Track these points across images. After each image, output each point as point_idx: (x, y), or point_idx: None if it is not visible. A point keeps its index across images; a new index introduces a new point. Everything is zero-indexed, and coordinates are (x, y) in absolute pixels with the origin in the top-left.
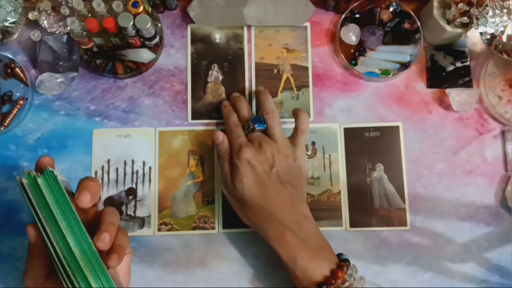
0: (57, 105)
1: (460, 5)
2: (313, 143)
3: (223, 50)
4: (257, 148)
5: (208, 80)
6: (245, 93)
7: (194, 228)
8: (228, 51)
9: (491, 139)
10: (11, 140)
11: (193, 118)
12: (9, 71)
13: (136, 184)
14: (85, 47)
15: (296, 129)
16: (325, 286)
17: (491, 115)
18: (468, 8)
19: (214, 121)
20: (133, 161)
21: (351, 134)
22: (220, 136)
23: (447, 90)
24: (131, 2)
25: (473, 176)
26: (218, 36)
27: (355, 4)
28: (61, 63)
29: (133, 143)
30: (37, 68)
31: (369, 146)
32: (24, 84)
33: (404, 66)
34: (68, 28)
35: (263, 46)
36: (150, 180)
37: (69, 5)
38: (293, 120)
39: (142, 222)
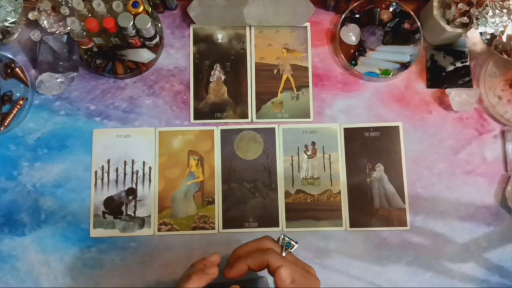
0: (57, 105)
1: (460, 5)
2: (313, 143)
3: (226, 50)
4: None
5: (211, 80)
6: (247, 93)
7: (194, 228)
8: (230, 51)
9: (491, 139)
10: (11, 140)
11: (195, 118)
12: (9, 71)
13: (136, 184)
14: (85, 47)
15: None
16: None
17: (491, 115)
18: (468, 8)
19: (216, 121)
20: (133, 161)
21: (351, 134)
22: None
23: (447, 90)
24: (131, 2)
25: (473, 176)
26: (220, 36)
27: (355, 4)
28: (61, 63)
29: (133, 143)
30: (37, 68)
31: (369, 146)
32: (24, 84)
33: (404, 66)
34: (68, 28)
35: (263, 46)
36: (150, 180)
37: (69, 5)
38: (294, 120)
39: (142, 222)
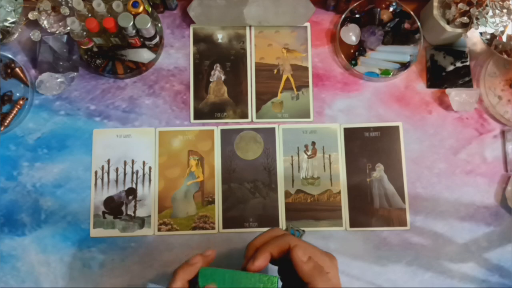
0: (57, 105)
1: (460, 5)
2: (313, 143)
3: (226, 50)
4: None
5: (211, 80)
6: (247, 93)
7: (194, 228)
8: (230, 51)
9: (491, 139)
10: (11, 140)
11: (195, 118)
12: (9, 71)
13: (136, 184)
14: (85, 47)
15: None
16: None
17: (491, 115)
18: (468, 8)
19: (216, 121)
20: (133, 161)
21: (351, 134)
22: None
23: (447, 90)
24: (131, 2)
25: (473, 176)
26: (220, 36)
27: (355, 4)
28: (61, 63)
29: (133, 143)
30: (37, 68)
31: (369, 146)
32: (24, 84)
33: (404, 66)
34: (68, 28)
35: (263, 46)
36: (150, 180)
37: (69, 5)
38: (294, 120)
39: (142, 222)
